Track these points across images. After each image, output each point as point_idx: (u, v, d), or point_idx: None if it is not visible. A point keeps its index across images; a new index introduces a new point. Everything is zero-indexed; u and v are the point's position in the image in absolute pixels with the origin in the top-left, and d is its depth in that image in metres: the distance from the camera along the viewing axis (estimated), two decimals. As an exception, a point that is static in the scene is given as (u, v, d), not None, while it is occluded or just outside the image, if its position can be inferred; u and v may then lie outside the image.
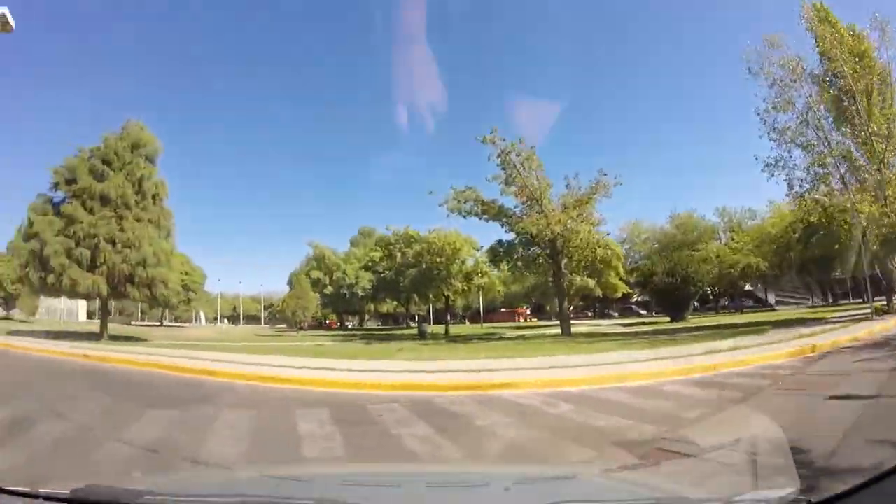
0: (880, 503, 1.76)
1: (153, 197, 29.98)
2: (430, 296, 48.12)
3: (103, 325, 30.62)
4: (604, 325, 44.55)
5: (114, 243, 27.31)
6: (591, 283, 42.75)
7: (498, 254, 33.27)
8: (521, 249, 32.55)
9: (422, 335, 36.62)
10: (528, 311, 73.79)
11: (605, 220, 31.90)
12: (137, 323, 79.60)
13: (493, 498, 2.64)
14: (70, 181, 28.81)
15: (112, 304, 34.16)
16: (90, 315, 76.68)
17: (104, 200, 28.20)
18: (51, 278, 26.50)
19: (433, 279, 40.80)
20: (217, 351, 21.29)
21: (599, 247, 32.02)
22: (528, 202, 30.50)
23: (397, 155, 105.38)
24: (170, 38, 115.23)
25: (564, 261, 30.76)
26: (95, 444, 6.53)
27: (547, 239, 29.72)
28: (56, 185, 29.17)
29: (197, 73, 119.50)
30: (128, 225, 27.79)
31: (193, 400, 10.30)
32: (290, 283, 65.80)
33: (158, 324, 78.16)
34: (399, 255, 45.43)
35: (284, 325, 66.55)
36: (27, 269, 27.59)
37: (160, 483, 3.05)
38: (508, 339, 29.71)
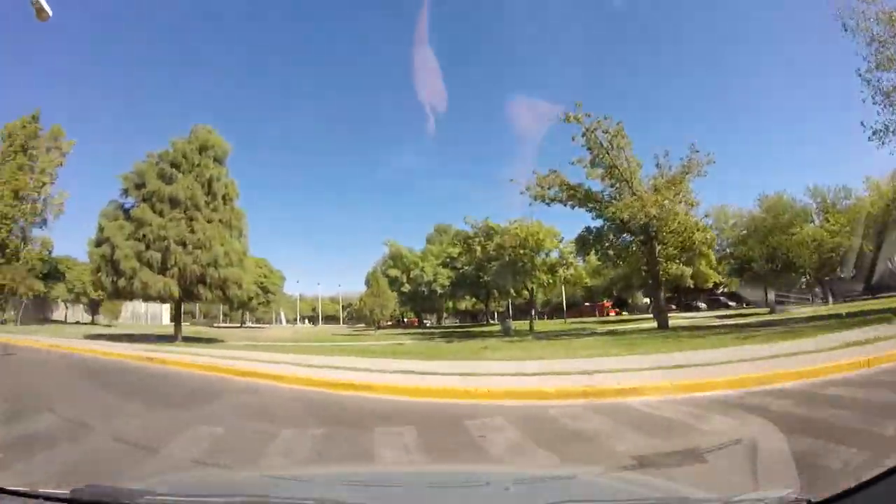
0: (880, 503, 1.74)
1: (223, 198, 29.05)
2: (512, 290, 46.00)
3: (177, 327, 30.07)
4: (698, 317, 40.87)
5: (184, 245, 26.45)
6: (687, 271, 39.07)
7: (587, 242, 30.36)
8: (611, 237, 29.74)
9: (506, 332, 34.26)
10: (610, 305, 70.02)
11: (699, 201, 28.80)
12: (220, 325, 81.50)
13: (493, 498, 2.65)
14: (139, 186, 28.28)
15: (197, 307, 33.42)
16: (174, 319, 78.63)
17: (173, 203, 27.46)
18: (122, 282, 25.89)
19: (516, 272, 38.18)
20: (289, 352, 19.96)
21: (698, 230, 28.72)
22: (617, 185, 27.82)
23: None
24: (228, 47, 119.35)
25: (658, 247, 27.95)
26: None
27: (640, 224, 26.86)
28: (126, 192, 28.74)
29: (265, 81, 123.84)
30: (198, 226, 26.87)
31: (245, 413, 8.86)
32: (367, 282, 65.45)
33: (239, 325, 79.94)
34: (479, 248, 43.03)
35: (362, 325, 66.26)
36: (99, 274, 27.11)
37: (160, 483, 2.95)
38: (599, 334, 27.13)
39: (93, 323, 61.63)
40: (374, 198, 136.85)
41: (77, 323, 62.05)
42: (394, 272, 67.88)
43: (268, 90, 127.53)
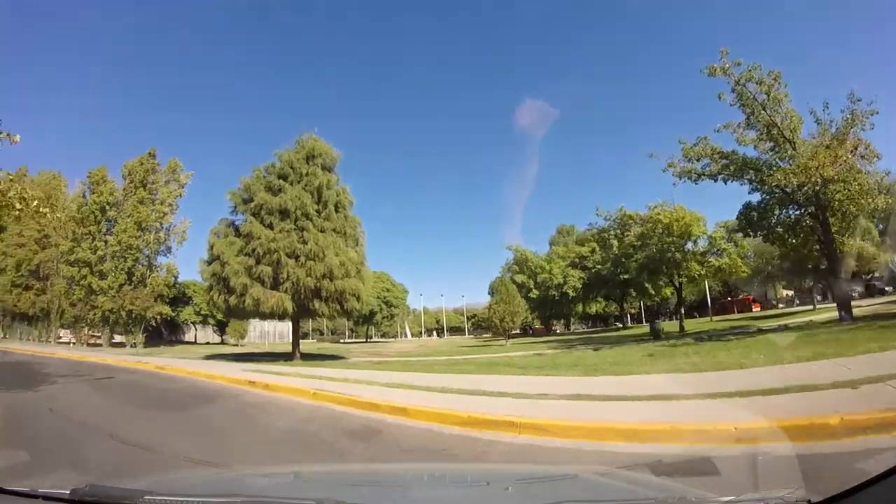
0: (880, 503, 1.74)
1: (335, 206, 27.22)
2: (650, 288, 41.30)
3: (294, 345, 28.49)
4: (865, 305, 33.37)
5: (296, 257, 24.76)
6: (870, 249, 32.42)
7: (750, 221, 24.81)
8: (777, 211, 24.46)
9: (655, 335, 30.11)
10: (752, 299, 62.56)
11: (881, 154, 22.04)
12: (346, 340, 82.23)
13: (494, 498, 2.67)
14: (247, 201, 27.10)
15: (325, 324, 31.75)
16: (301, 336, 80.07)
17: (283, 214, 25.91)
18: (233, 299, 24.57)
19: (664, 264, 33.43)
20: (417, 370, 17.54)
21: (881, 193, 22.34)
22: (778, 147, 22.71)
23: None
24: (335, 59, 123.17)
25: (832, 219, 22.54)
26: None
27: (810, 191, 21.77)
28: (235, 209, 27.67)
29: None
30: (309, 236, 25.11)
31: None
32: (491, 290, 63.27)
33: (364, 340, 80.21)
34: (615, 242, 38.72)
35: (487, 335, 63.61)
36: (212, 293, 26.11)
37: (160, 483, 2.93)
38: (767, 331, 22.41)
39: (221, 343, 63.28)
40: (492, 203, 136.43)
41: (207, 343, 64.50)
42: (520, 277, 64.43)
43: (385, 95, 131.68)
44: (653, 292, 49.77)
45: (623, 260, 40.98)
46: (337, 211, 27.22)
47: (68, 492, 1.89)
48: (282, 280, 24.62)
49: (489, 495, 2.69)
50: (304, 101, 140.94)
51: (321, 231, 25.82)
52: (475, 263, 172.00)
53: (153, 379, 17.89)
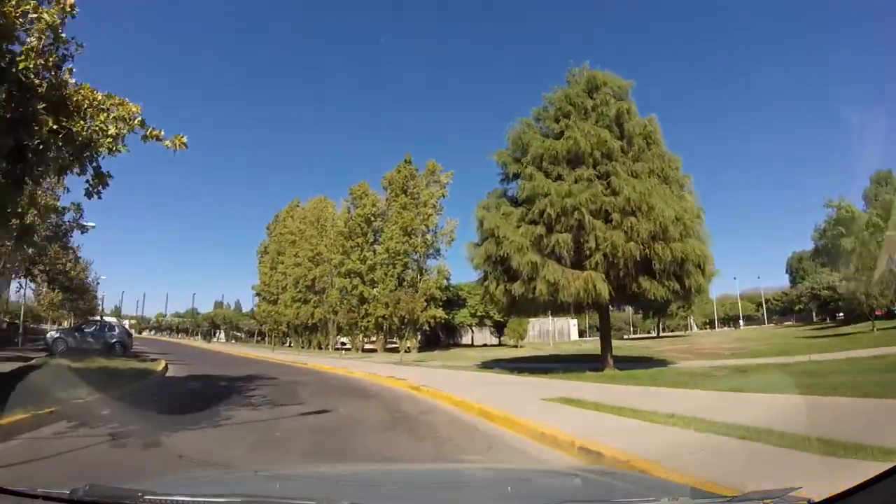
0: (880, 503, 1.74)
1: (645, 140, 18.54)
2: None
3: (605, 347, 19.79)
4: None
5: (606, 215, 16.75)
6: None
7: None
8: None
9: None
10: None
11: None
12: (630, 337, 73.52)
13: (494, 498, 2.68)
14: (518, 158, 19.88)
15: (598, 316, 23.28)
16: (581, 333, 73.23)
17: (573, 162, 18.17)
18: (518, 287, 17.34)
19: None
20: None
21: None
22: None
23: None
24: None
25: None
26: None
27: None
28: (505, 177, 20.67)
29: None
30: (621, 184, 16.83)
31: None
32: (788, 270, 48.83)
33: (655, 335, 71.03)
34: None
35: (791, 321, 48.88)
36: (486, 283, 19.56)
37: (160, 483, 2.86)
38: None
39: (499, 344, 58.79)
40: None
41: (483, 346, 61.16)
42: (847, 242, 47.28)
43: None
44: None
45: None
46: (648, 147, 18.53)
47: (68, 491, 1.82)
48: (587, 252, 16.80)
49: (489, 495, 2.71)
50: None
51: (633, 175, 17.44)
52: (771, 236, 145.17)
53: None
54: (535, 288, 16.95)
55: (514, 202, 19.50)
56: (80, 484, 1.88)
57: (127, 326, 38.89)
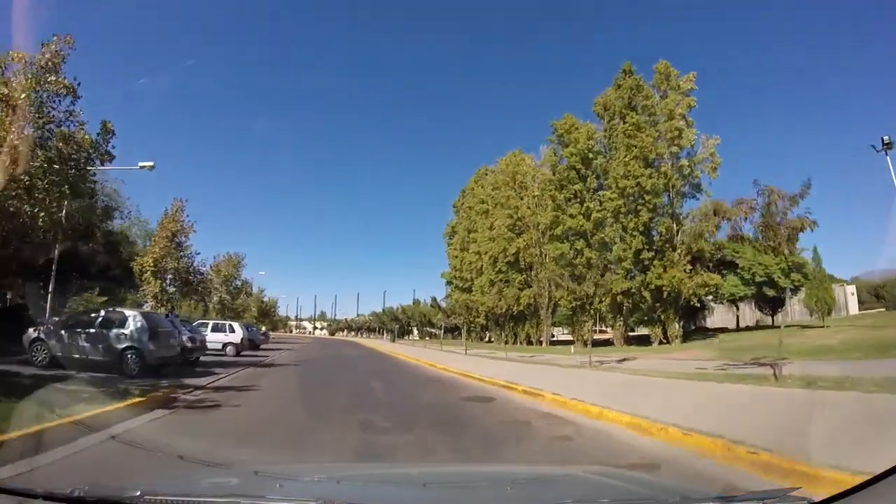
0: (880, 503, 1.73)
1: None
2: None
3: None
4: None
5: None
6: None
7: None
8: None
9: None
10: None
11: None
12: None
13: (494, 498, 2.68)
14: None
15: None
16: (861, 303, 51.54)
17: None
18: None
19: None
20: None
21: None
22: None
23: None
24: None
25: None
26: None
27: None
28: None
29: None
30: None
31: None
32: None
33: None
34: None
35: None
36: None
37: (160, 483, 2.87)
38: None
39: (771, 326, 38.97)
40: None
41: (755, 327, 43.38)
42: None
43: None
44: None
45: None
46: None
47: (68, 491, 1.85)
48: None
49: (489, 495, 2.72)
50: None
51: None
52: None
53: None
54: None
55: None
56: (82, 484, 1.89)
57: (239, 327, 26.36)
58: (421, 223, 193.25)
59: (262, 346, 34.09)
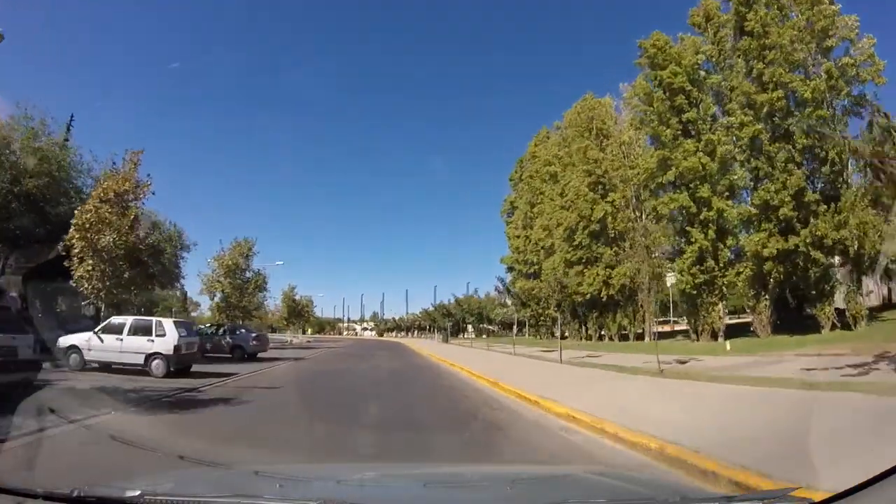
0: (880, 503, 1.70)
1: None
2: None
3: None
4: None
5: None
6: None
7: None
8: None
9: None
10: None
11: None
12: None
13: (494, 498, 2.65)
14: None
15: None
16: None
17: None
18: None
19: None
20: None
21: None
22: None
23: None
24: None
25: None
26: None
27: None
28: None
29: None
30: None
31: None
32: None
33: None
34: None
35: None
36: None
37: (160, 483, 2.73)
38: None
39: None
40: None
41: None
42: None
43: None
44: None
45: None
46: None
47: (68, 491, 1.81)
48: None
49: (489, 495, 2.69)
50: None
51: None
52: None
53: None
54: None
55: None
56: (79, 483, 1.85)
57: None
58: (475, 210, 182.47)
59: (259, 356, 23.93)
